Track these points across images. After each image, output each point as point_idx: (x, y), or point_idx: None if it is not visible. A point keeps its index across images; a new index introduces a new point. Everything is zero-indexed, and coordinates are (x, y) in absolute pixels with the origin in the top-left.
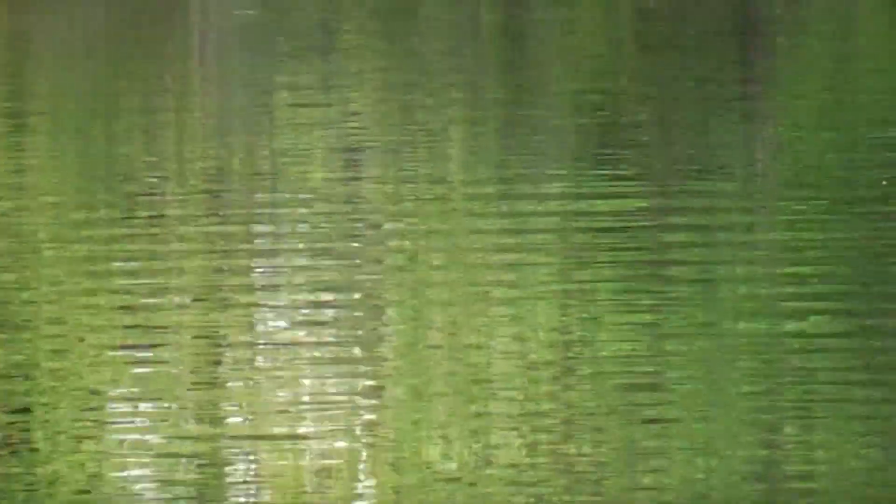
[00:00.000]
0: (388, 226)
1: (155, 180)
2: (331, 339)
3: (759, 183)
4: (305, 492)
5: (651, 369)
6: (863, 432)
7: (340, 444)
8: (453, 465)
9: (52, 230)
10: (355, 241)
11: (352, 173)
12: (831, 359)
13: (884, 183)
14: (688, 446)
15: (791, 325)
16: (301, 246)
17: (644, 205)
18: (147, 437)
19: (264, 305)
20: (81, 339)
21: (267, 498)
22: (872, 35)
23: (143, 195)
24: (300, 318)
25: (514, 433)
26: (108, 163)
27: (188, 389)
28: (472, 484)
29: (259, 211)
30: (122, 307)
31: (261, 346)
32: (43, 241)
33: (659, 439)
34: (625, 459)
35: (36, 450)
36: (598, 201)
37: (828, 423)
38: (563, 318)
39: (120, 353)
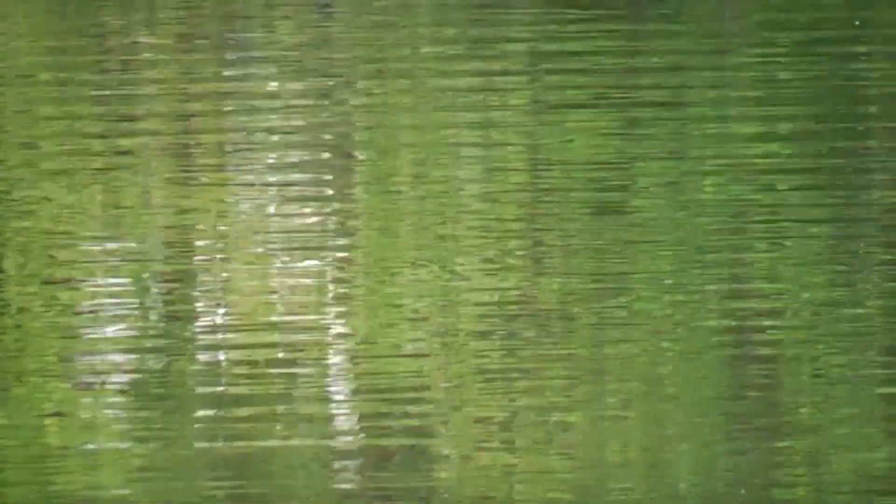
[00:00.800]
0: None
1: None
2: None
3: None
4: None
5: (618, 195)
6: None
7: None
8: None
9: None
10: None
11: (324, 29)
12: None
13: (856, 23)
14: (654, 274)
15: (759, 148)
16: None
17: (614, 39)
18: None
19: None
20: None
21: (237, 314)
22: None
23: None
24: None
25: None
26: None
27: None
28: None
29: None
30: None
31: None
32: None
33: (626, 264)
34: (594, 286)
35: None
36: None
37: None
38: (533, 156)
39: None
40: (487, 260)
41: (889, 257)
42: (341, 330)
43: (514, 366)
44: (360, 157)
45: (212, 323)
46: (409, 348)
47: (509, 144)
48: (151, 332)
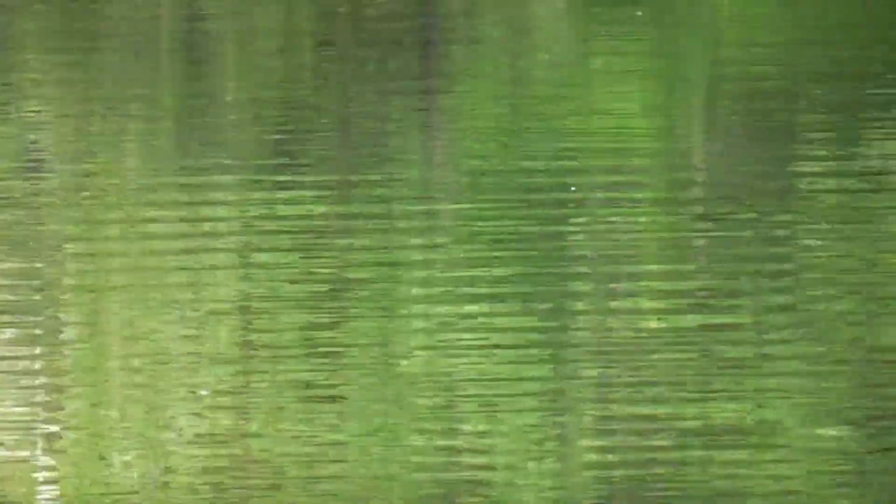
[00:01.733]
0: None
1: None
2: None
3: (437, 188)
4: None
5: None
6: None
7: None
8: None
9: None
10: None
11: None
12: (512, 338)
13: (573, 189)
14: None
15: (470, 308)
16: None
17: (325, 210)
18: None
19: None
20: None
21: None
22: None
23: None
24: None
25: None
26: None
27: None
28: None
29: None
30: None
31: None
32: None
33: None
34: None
35: None
36: (280, 205)
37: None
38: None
39: None
40: None
41: None
42: None
43: None
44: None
45: None
46: None
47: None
48: None
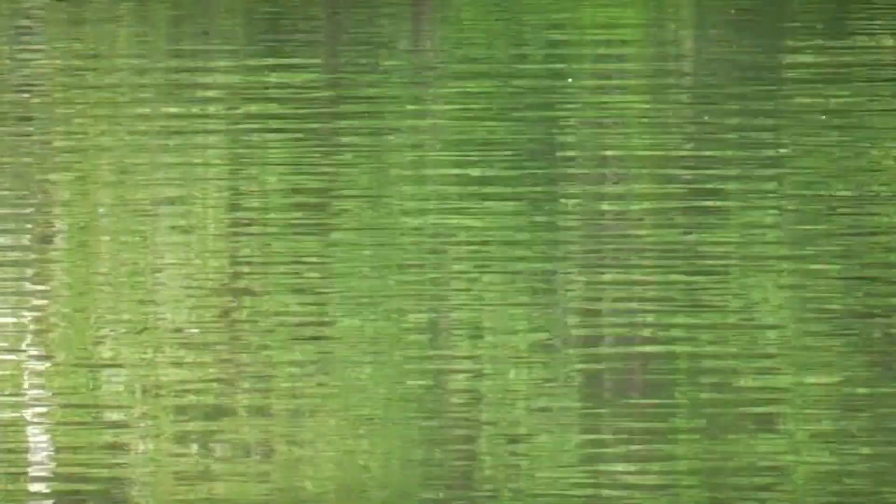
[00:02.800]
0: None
1: None
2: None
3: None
4: None
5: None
6: None
7: None
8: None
9: None
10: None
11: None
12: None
13: (569, 80)
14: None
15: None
16: None
17: (315, 76)
18: None
19: None
20: None
21: None
22: None
23: None
24: None
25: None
26: None
27: None
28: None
29: None
30: None
31: None
32: None
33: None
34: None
35: None
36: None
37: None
38: (232, 214)
39: None
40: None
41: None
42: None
43: None
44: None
45: None
46: None
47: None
48: None
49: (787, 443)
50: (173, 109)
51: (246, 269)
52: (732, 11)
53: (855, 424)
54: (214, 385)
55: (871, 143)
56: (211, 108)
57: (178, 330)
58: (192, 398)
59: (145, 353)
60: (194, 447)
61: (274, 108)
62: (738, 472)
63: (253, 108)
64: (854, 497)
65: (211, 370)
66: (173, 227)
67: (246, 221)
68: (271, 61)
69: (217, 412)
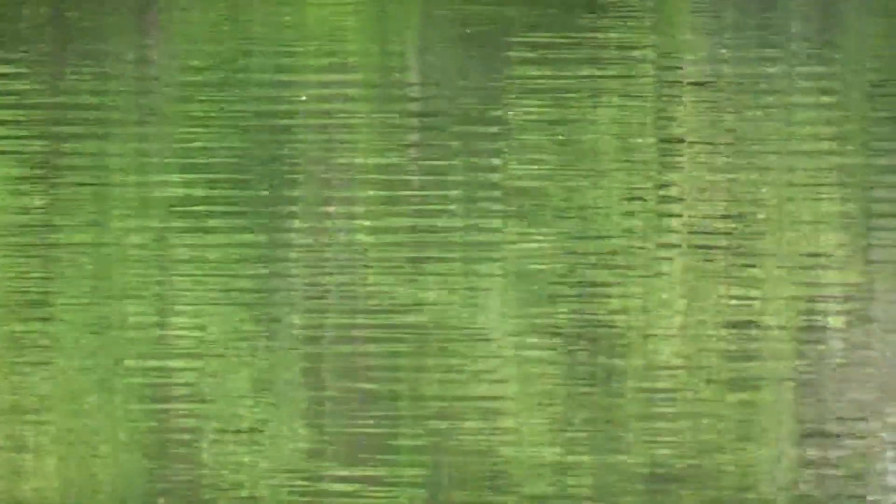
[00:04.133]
0: None
1: None
2: None
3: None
4: None
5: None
6: None
7: None
8: None
9: None
10: None
11: None
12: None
13: (303, 98)
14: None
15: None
16: None
17: (37, 87)
18: None
19: None
20: None
21: None
22: None
23: None
24: None
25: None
26: None
27: None
28: None
29: None
30: None
31: None
32: None
33: None
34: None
35: None
36: None
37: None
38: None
39: None
40: None
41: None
42: None
43: None
44: None
45: None
46: None
47: None
48: None
49: None
50: None
51: None
52: (467, 31)
53: None
54: None
55: (594, 155)
56: None
57: None
58: None
59: None
60: None
61: None
62: None
63: None
64: None
65: None
66: None
67: None
68: None
69: None
